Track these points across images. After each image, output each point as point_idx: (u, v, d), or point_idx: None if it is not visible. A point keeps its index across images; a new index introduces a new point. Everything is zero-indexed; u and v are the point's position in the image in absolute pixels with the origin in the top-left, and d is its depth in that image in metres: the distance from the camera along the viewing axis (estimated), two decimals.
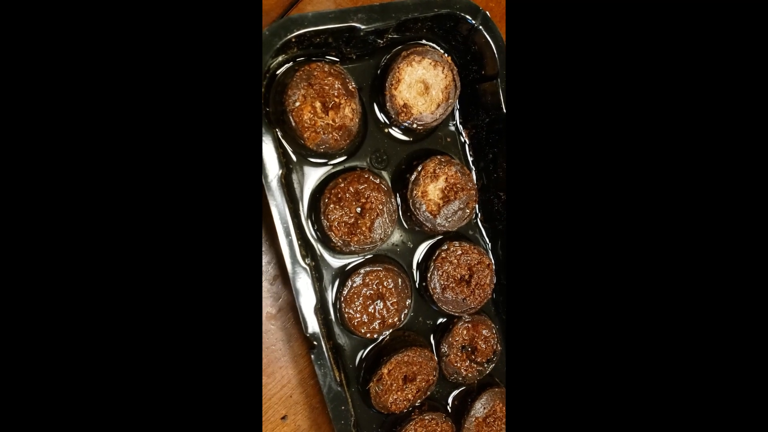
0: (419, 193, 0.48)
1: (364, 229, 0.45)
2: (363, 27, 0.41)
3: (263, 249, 0.49)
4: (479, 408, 0.51)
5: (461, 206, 0.49)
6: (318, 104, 0.43)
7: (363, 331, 0.47)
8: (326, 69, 0.43)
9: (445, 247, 0.50)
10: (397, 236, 0.50)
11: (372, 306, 0.47)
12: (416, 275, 0.51)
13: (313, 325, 0.42)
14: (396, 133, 0.50)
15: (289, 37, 0.39)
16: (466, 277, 0.50)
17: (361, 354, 0.49)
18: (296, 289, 0.41)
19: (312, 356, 0.42)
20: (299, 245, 0.42)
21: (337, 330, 0.48)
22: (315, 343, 0.42)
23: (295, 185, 0.46)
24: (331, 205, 0.45)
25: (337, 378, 0.43)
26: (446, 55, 0.48)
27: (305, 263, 0.42)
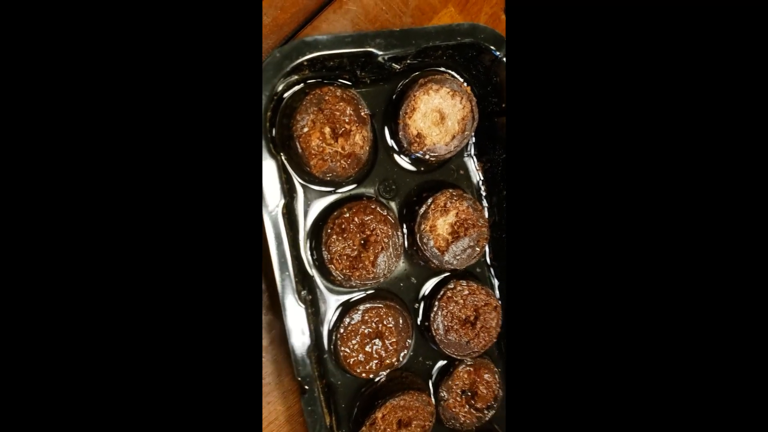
0: (427, 228, 0.45)
1: (366, 263, 0.43)
2: (381, 53, 0.39)
3: None
4: None
5: (471, 244, 0.47)
6: (327, 130, 0.41)
7: (359, 370, 0.44)
8: (338, 94, 0.40)
9: (452, 285, 0.47)
10: (401, 271, 0.48)
11: (370, 345, 0.44)
12: (419, 313, 0.49)
13: (305, 368, 0.39)
14: (407, 162, 0.47)
15: (301, 60, 0.36)
16: (472, 318, 0.48)
17: (355, 394, 0.46)
18: (289, 328, 0.39)
19: (302, 401, 0.39)
20: (296, 281, 0.39)
21: (331, 367, 0.45)
22: (306, 387, 0.39)
23: (298, 213, 0.43)
24: (334, 236, 0.42)
25: (328, 424, 0.41)
26: (465, 84, 0.45)
27: (301, 299, 0.40)
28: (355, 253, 0.43)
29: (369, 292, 0.46)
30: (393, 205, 0.47)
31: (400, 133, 0.44)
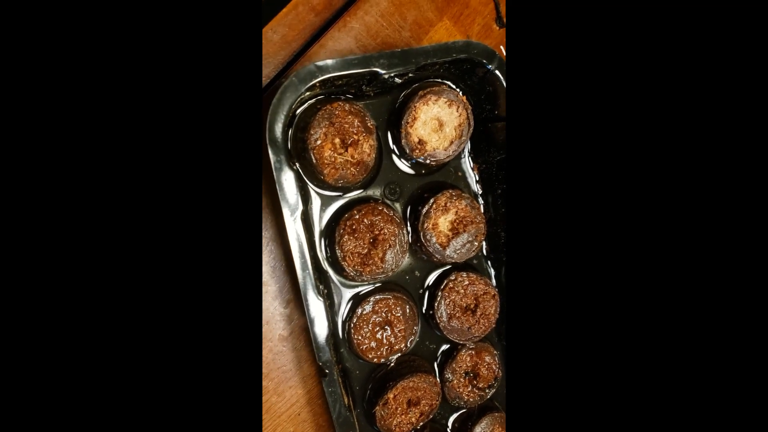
0: (430, 226, 0.50)
1: (376, 259, 0.47)
2: (384, 71, 0.43)
3: (279, 275, 0.51)
4: None
5: (470, 239, 0.51)
6: (338, 141, 0.45)
7: (371, 356, 0.49)
8: (347, 108, 0.45)
9: (453, 277, 0.52)
10: (406, 265, 0.52)
11: (380, 332, 0.49)
12: (424, 302, 0.53)
13: (325, 354, 0.44)
14: (409, 166, 0.52)
15: (314, 82, 0.41)
16: (472, 306, 0.52)
17: (368, 377, 0.51)
18: (311, 319, 0.44)
19: (323, 384, 0.44)
20: (315, 277, 0.44)
21: (345, 353, 0.50)
22: (327, 371, 0.44)
23: (313, 216, 0.48)
24: (346, 236, 0.47)
25: (346, 403, 0.45)
26: (462, 94, 0.50)
27: (320, 293, 0.44)
28: (366, 250, 0.47)
29: (378, 285, 0.51)
30: (398, 206, 0.51)
31: (403, 140, 0.49)
